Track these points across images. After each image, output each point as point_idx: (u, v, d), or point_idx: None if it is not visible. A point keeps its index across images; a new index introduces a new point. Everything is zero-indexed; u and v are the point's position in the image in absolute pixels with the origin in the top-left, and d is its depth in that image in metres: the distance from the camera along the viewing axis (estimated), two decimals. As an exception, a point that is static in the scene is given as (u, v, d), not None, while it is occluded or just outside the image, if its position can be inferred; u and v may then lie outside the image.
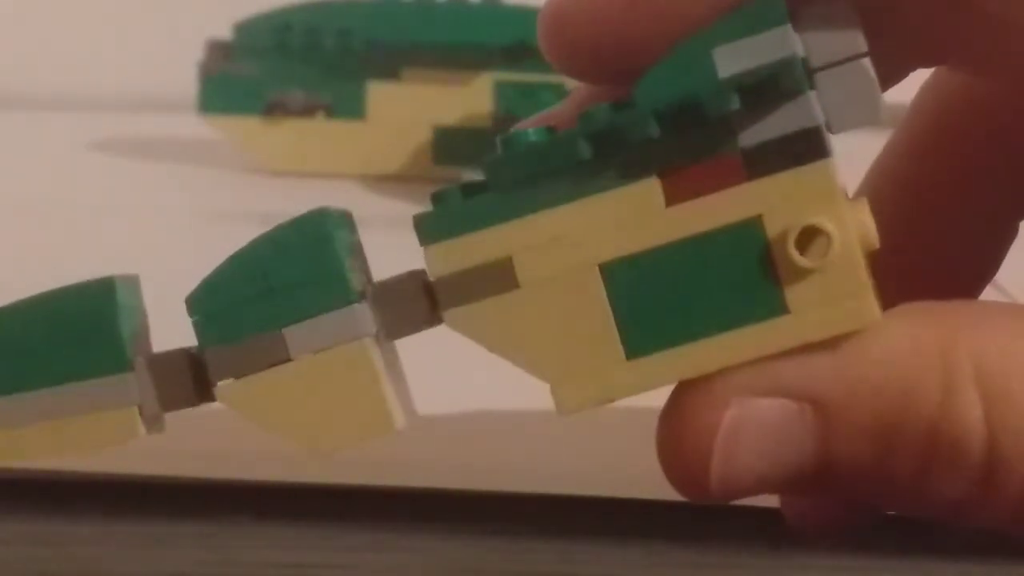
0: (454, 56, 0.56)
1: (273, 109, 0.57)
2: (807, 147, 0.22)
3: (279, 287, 0.23)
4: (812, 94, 0.22)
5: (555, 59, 0.25)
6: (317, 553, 0.31)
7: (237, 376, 0.23)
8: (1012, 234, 0.29)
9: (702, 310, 0.22)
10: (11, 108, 0.63)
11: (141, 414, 0.23)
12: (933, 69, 0.28)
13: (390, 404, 0.23)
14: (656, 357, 0.22)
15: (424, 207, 0.23)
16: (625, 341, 0.23)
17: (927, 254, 0.25)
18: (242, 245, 0.24)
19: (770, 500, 0.32)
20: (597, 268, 0.23)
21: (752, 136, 0.22)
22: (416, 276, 0.23)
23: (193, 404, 0.23)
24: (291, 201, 0.54)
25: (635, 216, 0.22)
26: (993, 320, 0.22)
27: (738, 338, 0.22)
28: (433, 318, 0.23)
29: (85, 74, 0.66)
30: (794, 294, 0.22)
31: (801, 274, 0.22)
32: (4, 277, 0.44)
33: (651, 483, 0.32)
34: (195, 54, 0.57)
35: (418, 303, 0.23)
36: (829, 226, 0.22)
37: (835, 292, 0.22)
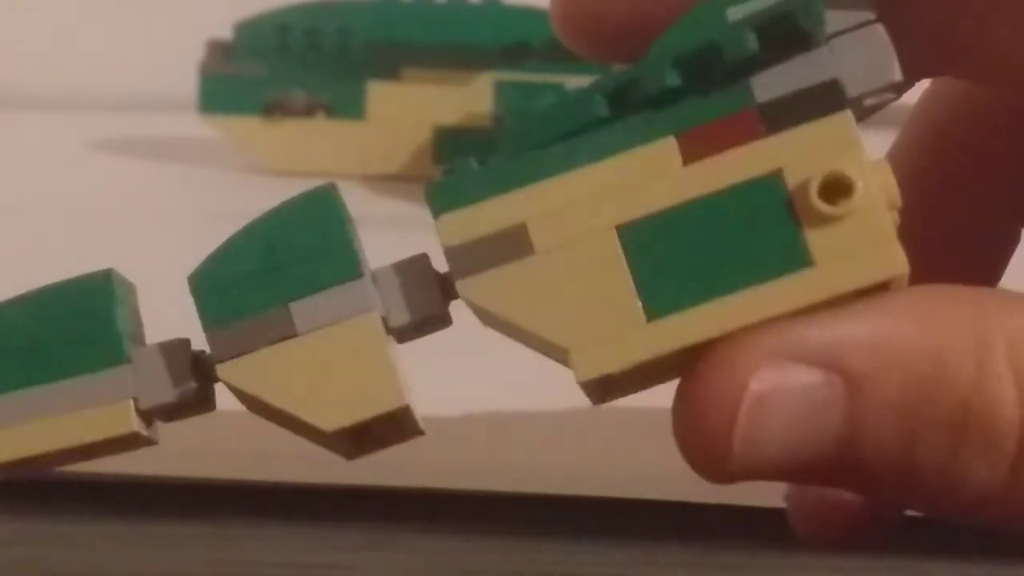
0: (454, 56, 0.56)
1: (273, 109, 0.57)
2: (825, 100, 0.22)
3: (285, 262, 0.23)
4: (827, 48, 0.22)
5: (569, 36, 0.24)
6: (317, 553, 0.31)
7: (241, 354, 0.22)
8: (1015, 241, 0.29)
9: (723, 268, 0.22)
10: (11, 108, 0.63)
11: (136, 408, 0.23)
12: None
13: (397, 378, 0.22)
14: (677, 317, 0.22)
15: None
16: (645, 303, 0.22)
17: (929, 260, 0.25)
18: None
19: (770, 500, 0.32)
20: (614, 230, 0.22)
21: (769, 91, 0.22)
22: (424, 259, 0.23)
23: (191, 391, 0.23)
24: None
25: (652, 176, 0.22)
26: (1023, 304, 0.22)
27: (762, 294, 0.22)
28: (445, 297, 0.23)
29: (85, 74, 0.66)
30: (818, 245, 0.22)
31: (825, 224, 0.22)
32: (4, 277, 0.44)
33: (651, 483, 0.32)
34: (195, 54, 0.57)
35: (429, 282, 0.23)
36: (851, 172, 0.21)
37: (860, 241, 0.22)
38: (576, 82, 0.56)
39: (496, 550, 0.31)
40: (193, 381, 0.23)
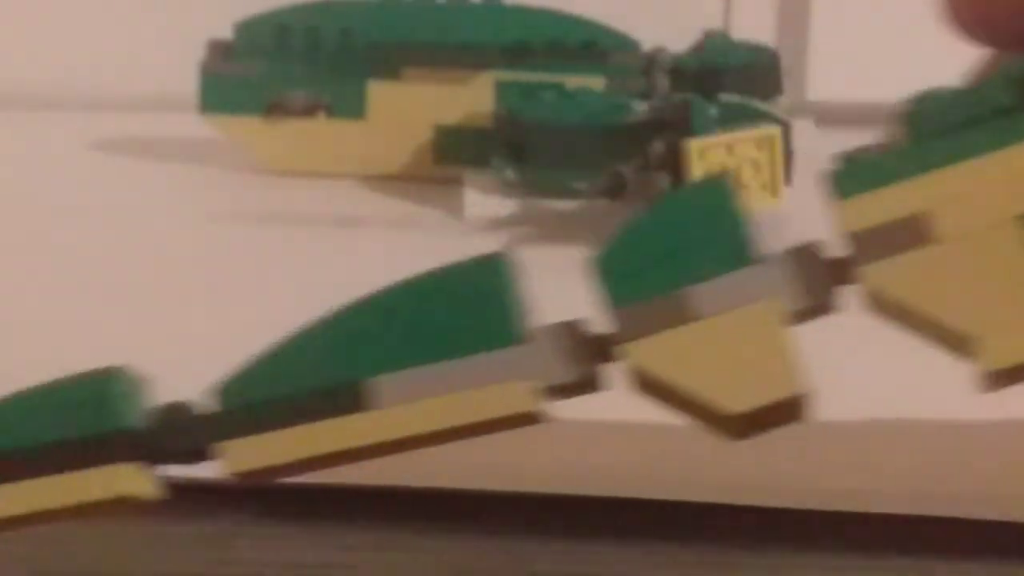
0: (455, 56, 0.56)
1: (274, 109, 0.56)
2: None
3: (686, 246, 0.23)
4: None
5: (963, 23, 0.24)
6: (317, 553, 0.31)
7: (646, 335, 0.23)
8: None
9: None
10: (11, 108, 0.63)
11: (536, 387, 0.23)
12: None
13: (797, 363, 0.22)
14: None
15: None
16: None
17: None
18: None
19: (770, 499, 0.32)
20: (1021, 219, 0.22)
21: None
22: (816, 245, 0.23)
23: (590, 371, 0.23)
24: (291, 201, 0.54)
25: None
26: None
27: None
28: (838, 283, 0.23)
29: (85, 74, 0.66)
30: None
31: None
32: (4, 277, 0.44)
33: (651, 483, 0.32)
34: (195, 54, 0.57)
35: (823, 268, 0.23)
36: None
37: None
38: (577, 82, 0.56)
39: (496, 550, 0.31)
40: (591, 362, 0.23)
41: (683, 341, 0.23)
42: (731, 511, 0.32)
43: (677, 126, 0.48)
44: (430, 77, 0.56)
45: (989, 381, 0.22)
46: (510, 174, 0.52)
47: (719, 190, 0.23)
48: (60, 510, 0.24)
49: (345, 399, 0.23)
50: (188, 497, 0.32)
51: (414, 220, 0.50)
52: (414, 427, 0.23)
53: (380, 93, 0.56)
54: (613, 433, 0.30)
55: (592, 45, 0.56)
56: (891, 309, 0.22)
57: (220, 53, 0.57)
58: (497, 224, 0.49)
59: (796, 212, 0.45)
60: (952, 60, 0.27)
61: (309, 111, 0.57)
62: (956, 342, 0.22)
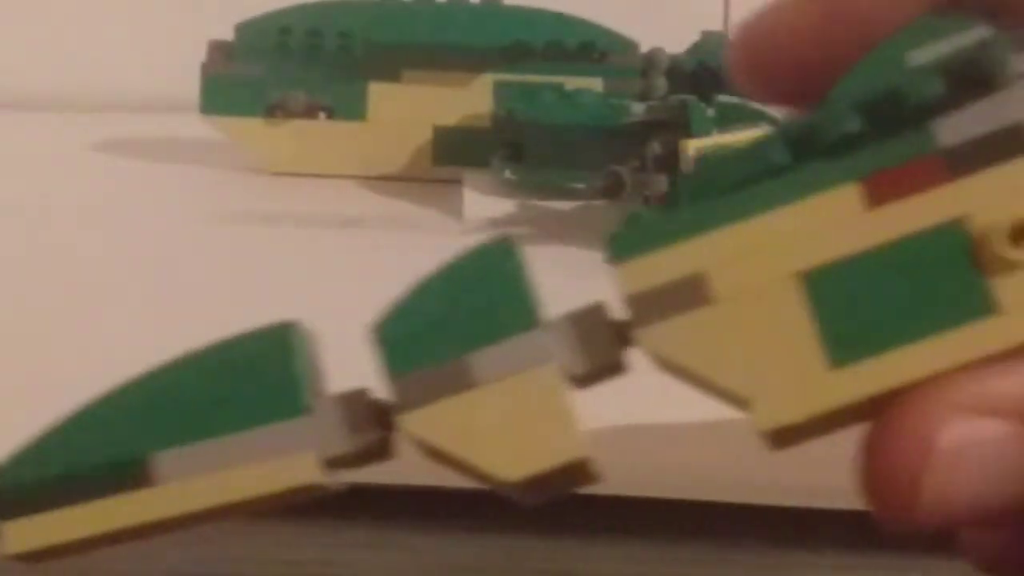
0: (454, 57, 0.56)
1: (274, 110, 0.57)
2: (1011, 144, 0.21)
3: (464, 313, 0.22)
4: (1011, 90, 0.21)
5: (750, 85, 0.24)
6: (317, 552, 0.31)
7: (423, 404, 0.22)
8: None
9: (906, 315, 0.22)
10: (11, 108, 0.63)
11: (318, 459, 0.23)
12: None
13: (577, 428, 0.22)
14: (860, 365, 0.22)
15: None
16: (827, 351, 0.22)
17: None
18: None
19: (770, 499, 0.32)
20: (796, 277, 0.22)
21: (953, 135, 0.22)
22: (599, 308, 0.23)
23: (373, 440, 0.23)
24: (292, 201, 0.54)
25: (834, 222, 0.22)
26: None
27: (946, 342, 0.21)
28: (621, 345, 0.23)
29: (87, 75, 0.66)
30: (1005, 293, 0.21)
31: (1012, 271, 0.21)
32: (4, 277, 0.44)
33: (651, 482, 0.32)
34: (197, 55, 0.57)
35: (605, 331, 0.23)
36: None
37: None
38: (576, 83, 0.56)
39: (496, 550, 0.31)
40: (375, 431, 0.23)
41: (462, 409, 0.22)
42: (731, 511, 0.32)
43: (675, 127, 0.48)
44: (429, 78, 0.56)
45: (766, 440, 0.22)
46: (509, 174, 0.52)
47: (502, 254, 0.23)
48: None
49: (128, 475, 0.23)
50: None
51: (414, 220, 0.51)
52: (199, 502, 0.23)
53: (380, 94, 0.56)
54: (613, 433, 0.30)
55: (590, 46, 0.56)
56: (673, 369, 0.22)
57: (221, 55, 0.57)
58: (495, 224, 0.49)
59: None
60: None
61: (309, 112, 0.57)
62: (735, 402, 0.22)
